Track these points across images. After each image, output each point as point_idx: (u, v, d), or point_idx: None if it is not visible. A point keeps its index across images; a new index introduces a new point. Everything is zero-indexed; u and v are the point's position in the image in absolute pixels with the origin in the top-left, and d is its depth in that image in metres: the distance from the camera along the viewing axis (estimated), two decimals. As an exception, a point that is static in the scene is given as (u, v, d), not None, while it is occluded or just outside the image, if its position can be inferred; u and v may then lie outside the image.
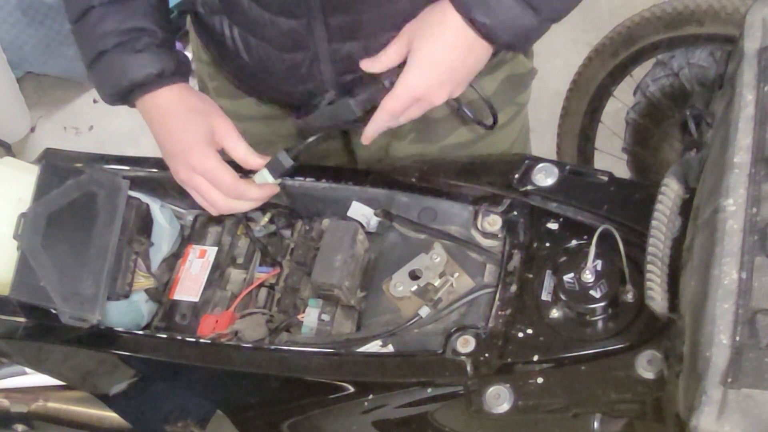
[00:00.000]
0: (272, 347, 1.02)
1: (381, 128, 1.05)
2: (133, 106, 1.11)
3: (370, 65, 1.03)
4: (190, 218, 1.21)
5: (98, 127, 2.83)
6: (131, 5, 1.07)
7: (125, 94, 1.09)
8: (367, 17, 1.05)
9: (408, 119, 1.05)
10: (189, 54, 1.26)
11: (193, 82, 1.17)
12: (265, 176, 1.09)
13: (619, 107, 1.88)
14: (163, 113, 1.09)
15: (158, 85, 1.08)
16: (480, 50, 1.01)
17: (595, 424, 0.85)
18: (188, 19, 1.29)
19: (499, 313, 0.96)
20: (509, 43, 1.00)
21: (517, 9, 0.96)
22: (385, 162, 1.25)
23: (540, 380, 0.88)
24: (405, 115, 1.04)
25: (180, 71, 1.10)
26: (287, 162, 1.07)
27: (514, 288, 0.98)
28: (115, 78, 1.08)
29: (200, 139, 1.07)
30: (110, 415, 1.25)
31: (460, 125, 1.22)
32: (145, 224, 1.13)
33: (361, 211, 1.12)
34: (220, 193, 1.07)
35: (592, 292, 0.91)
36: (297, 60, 1.10)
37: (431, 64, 1.00)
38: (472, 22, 0.97)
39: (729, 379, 0.68)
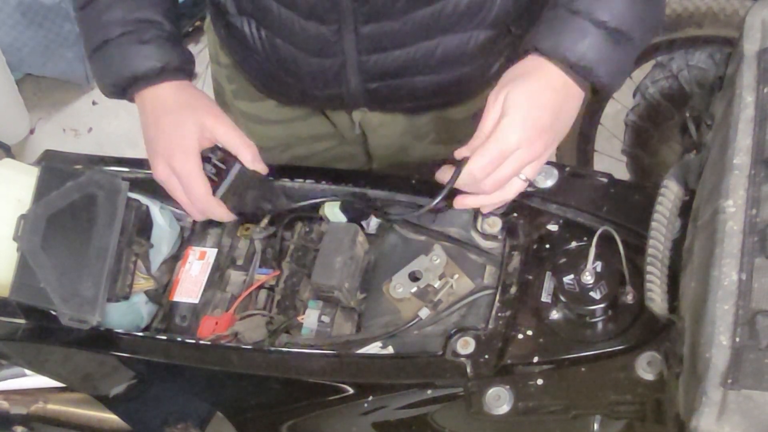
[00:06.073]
0: (272, 349, 1.02)
1: (469, 204, 0.99)
2: (131, 100, 1.08)
3: (465, 151, 0.95)
4: (190, 220, 1.21)
5: (97, 128, 2.84)
6: None
7: (126, 87, 1.05)
8: (397, 26, 1.04)
9: (505, 197, 0.98)
10: (201, 55, 1.24)
11: (199, 83, 1.15)
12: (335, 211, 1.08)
13: (619, 109, 1.88)
14: (157, 107, 1.05)
15: (160, 79, 1.04)
16: (576, 95, 0.96)
17: (595, 426, 0.85)
18: (206, 21, 1.27)
19: (499, 314, 0.96)
20: (605, 82, 0.95)
21: (609, 44, 0.92)
22: (403, 163, 1.23)
23: (540, 381, 0.88)
24: (497, 180, 0.95)
25: (184, 69, 1.06)
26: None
27: (513, 289, 0.98)
28: (116, 68, 1.04)
29: (186, 140, 1.02)
30: (110, 417, 1.25)
31: None
32: (144, 226, 1.12)
33: (360, 213, 1.12)
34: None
35: (592, 293, 0.91)
36: (325, 65, 1.10)
37: (531, 108, 0.93)
38: (569, 65, 0.93)
39: (729, 381, 0.68)
